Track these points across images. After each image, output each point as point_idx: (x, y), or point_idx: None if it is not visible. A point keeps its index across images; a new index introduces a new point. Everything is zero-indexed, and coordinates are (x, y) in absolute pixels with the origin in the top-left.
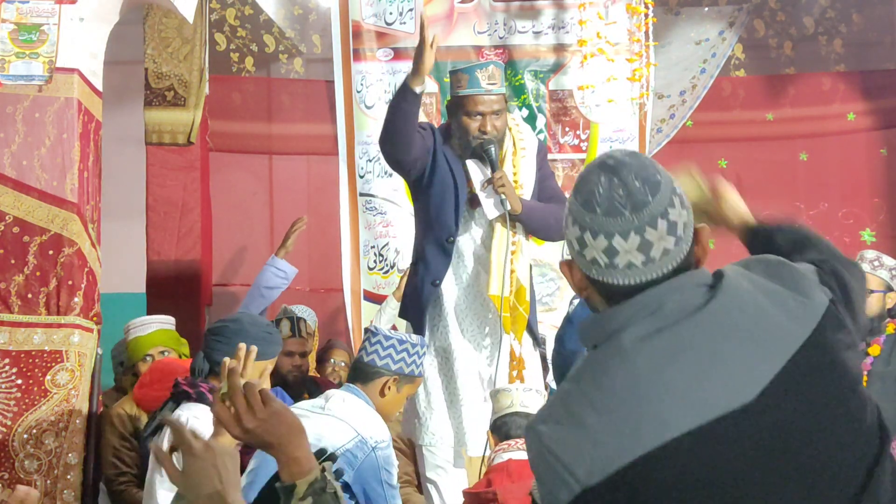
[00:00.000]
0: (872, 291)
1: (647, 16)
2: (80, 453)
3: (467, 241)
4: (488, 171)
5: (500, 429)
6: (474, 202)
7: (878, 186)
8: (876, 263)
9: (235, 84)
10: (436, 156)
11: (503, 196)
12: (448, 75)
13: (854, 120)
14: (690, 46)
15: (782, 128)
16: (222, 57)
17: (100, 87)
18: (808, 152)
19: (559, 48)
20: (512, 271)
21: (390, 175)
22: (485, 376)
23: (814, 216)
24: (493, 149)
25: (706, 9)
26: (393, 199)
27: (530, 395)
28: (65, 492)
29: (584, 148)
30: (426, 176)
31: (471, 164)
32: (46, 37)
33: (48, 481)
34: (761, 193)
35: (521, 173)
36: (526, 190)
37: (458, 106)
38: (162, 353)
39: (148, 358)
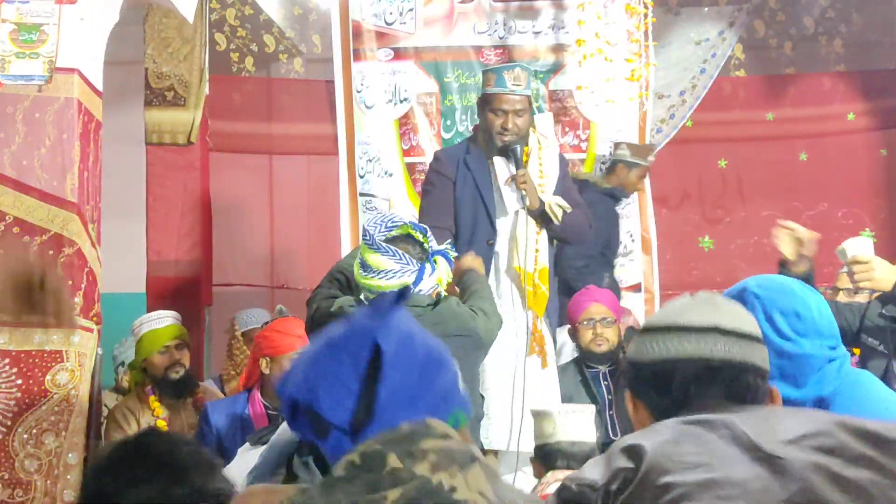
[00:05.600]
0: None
1: (646, 16)
2: (81, 453)
3: (503, 226)
4: (513, 169)
5: (544, 459)
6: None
7: (878, 187)
8: None
9: (235, 84)
10: (456, 180)
11: (524, 192)
12: (449, 75)
13: (854, 120)
14: (690, 46)
15: (782, 128)
16: (222, 57)
17: (100, 87)
18: (808, 152)
19: (559, 48)
20: (536, 250)
21: (390, 175)
22: (513, 350)
23: (813, 216)
24: (518, 149)
25: (706, 9)
26: (393, 199)
27: (572, 420)
28: (65, 492)
29: (584, 148)
30: (455, 198)
31: (498, 161)
32: (46, 37)
33: (48, 481)
34: (761, 193)
35: (545, 166)
36: (550, 181)
37: (485, 102)
38: (178, 346)
39: (164, 350)
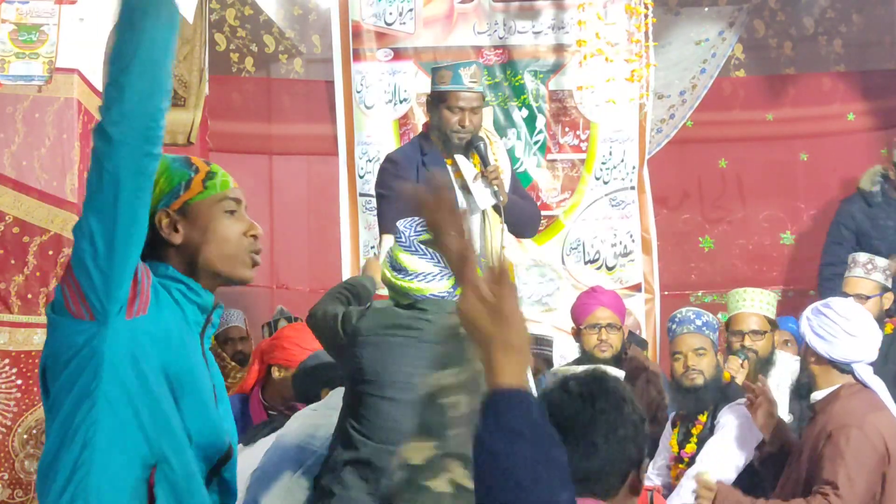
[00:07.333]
0: (868, 297)
1: (646, 16)
2: None
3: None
4: (472, 166)
5: None
6: (464, 191)
7: None
8: (869, 267)
9: (235, 84)
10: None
11: (496, 187)
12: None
13: (854, 120)
14: (690, 46)
15: (782, 128)
16: (222, 57)
17: (100, 88)
18: (808, 152)
19: (559, 48)
20: (503, 247)
21: None
22: None
23: (814, 216)
24: (482, 145)
25: (706, 9)
26: None
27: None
28: None
29: (584, 148)
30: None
31: (460, 159)
32: (46, 37)
33: None
34: (761, 193)
35: (500, 161)
36: (506, 175)
37: (439, 100)
38: None
39: None
